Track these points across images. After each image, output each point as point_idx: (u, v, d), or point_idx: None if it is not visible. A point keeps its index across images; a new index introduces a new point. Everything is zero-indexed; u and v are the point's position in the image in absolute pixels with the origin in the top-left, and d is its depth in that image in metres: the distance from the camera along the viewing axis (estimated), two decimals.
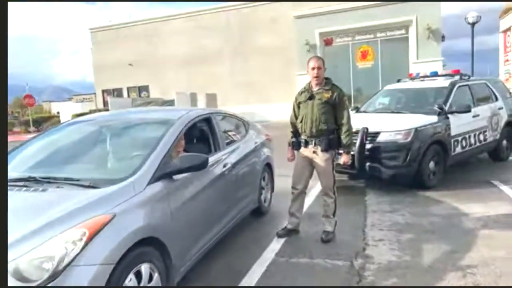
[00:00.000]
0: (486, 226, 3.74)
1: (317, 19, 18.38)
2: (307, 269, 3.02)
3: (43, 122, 21.93)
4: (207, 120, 3.45)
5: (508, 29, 25.49)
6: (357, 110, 6.84)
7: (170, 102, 14.75)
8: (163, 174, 2.47)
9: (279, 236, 3.74)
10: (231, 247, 3.57)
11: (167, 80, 22.11)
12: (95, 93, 26.05)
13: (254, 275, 2.97)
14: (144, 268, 2.14)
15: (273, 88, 19.42)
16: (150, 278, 2.21)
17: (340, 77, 18.95)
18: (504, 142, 6.75)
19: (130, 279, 2.03)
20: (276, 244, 3.57)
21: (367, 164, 5.13)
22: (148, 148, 2.62)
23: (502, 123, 6.55)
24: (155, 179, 2.41)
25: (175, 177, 2.58)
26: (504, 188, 5.05)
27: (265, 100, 19.92)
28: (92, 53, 24.83)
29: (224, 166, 3.30)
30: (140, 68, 22.77)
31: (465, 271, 2.85)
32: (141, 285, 2.11)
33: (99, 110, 17.31)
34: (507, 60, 26.40)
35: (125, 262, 1.99)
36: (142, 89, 23.40)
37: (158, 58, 22.43)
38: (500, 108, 6.54)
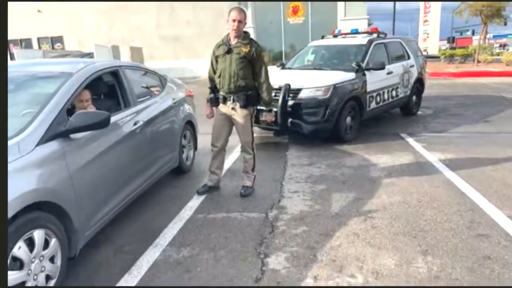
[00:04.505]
0: (389, 175, 4.09)
1: None
2: (223, 224, 3.08)
3: None
4: (114, 73, 3.17)
5: None
6: (283, 66, 6.88)
7: (89, 56, 13.48)
8: (58, 133, 2.25)
9: (199, 193, 3.74)
10: (149, 206, 3.49)
11: (85, 31, 20.05)
12: None
13: (169, 233, 2.95)
14: (38, 234, 1.98)
15: (203, 42, 18.69)
16: (47, 244, 2.06)
17: (273, 33, 18.90)
18: (414, 97, 7.32)
19: (20, 247, 1.87)
20: (195, 202, 3.57)
21: (289, 120, 5.24)
22: (41, 104, 2.35)
23: (412, 80, 7.06)
24: (47, 138, 2.18)
25: (75, 136, 2.37)
26: (409, 140, 5.54)
27: (195, 54, 19.18)
28: None
29: (135, 123, 3.12)
30: (53, 16, 20.23)
31: (366, 215, 3.12)
32: (35, 252, 1.96)
33: None
34: (426, 21, 28.32)
35: (12, 229, 1.82)
36: (56, 40, 20.93)
37: (73, 5, 20.05)
38: (411, 66, 7.02)
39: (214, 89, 3.68)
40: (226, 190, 3.86)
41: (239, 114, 3.57)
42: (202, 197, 3.66)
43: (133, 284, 2.32)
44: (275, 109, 5.13)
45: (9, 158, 1.94)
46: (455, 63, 18.29)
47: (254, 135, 3.81)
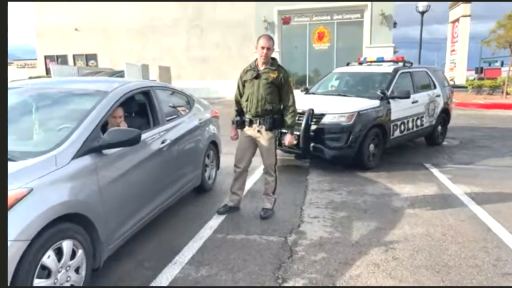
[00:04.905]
0: (412, 205, 4.02)
1: None
2: (242, 245, 3.09)
3: None
4: (146, 93, 3.32)
5: (457, 20, 26.91)
6: (307, 91, 6.96)
7: (120, 73, 14.04)
8: (92, 148, 2.37)
9: (220, 213, 3.78)
10: (170, 223, 3.55)
11: (118, 50, 20.95)
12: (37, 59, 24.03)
13: (188, 251, 2.98)
14: (66, 244, 2.07)
15: (230, 65, 19.13)
16: (74, 254, 2.14)
17: (297, 57, 19.18)
18: (439, 127, 7.22)
19: (49, 256, 1.95)
20: (215, 221, 3.61)
21: (312, 144, 5.27)
22: (78, 120, 2.48)
23: (438, 110, 6.98)
24: (82, 153, 2.30)
25: (106, 152, 2.48)
26: (434, 170, 5.43)
27: (221, 76, 19.63)
28: (34, 15, 22.78)
29: (163, 142, 3.22)
30: (88, 34, 21.30)
31: (387, 246, 3.06)
32: (62, 261, 2.04)
33: (39, 77, 16.03)
34: (453, 50, 27.98)
35: (43, 238, 1.91)
36: (90, 57, 21.95)
37: (108, 25, 21.08)
38: (437, 96, 6.95)
39: (240, 112, 3.78)
40: (246, 211, 3.88)
41: (264, 137, 3.64)
42: (222, 217, 3.70)
43: None
44: (297, 133, 5.19)
45: (46, 170, 2.06)
46: (483, 94, 17.93)
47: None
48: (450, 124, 7.81)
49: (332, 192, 4.48)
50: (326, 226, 3.48)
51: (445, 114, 7.35)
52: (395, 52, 19.41)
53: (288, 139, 3.74)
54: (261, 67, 3.60)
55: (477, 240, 3.17)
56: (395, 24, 17.95)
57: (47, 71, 20.34)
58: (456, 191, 4.46)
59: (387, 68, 6.44)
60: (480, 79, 25.80)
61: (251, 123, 3.66)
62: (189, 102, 4.30)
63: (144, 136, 2.89)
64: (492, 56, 33.22)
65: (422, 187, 4.65)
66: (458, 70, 26.22)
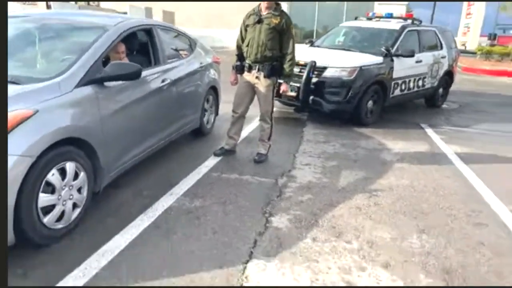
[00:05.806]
0: (402, 160, 4.17)
1: None
2: (234, 183, 3.28)
3: None
4: (148, 31, 3.33)
5: None
6: (311, 44, 6.88)
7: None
8: (94, 79, 2.45)
9: (216, 155, 3.93)
10: (168, 160, 3.72)
11: None
12: None
13: (184, 185, 3.17)
14: (69, 166, 2.22)
15: (236, 14, 18.52)
16: (77, 176, 2.30)
17: (307, 11, 18.55)
18: (441, 90, 7.21)
19: (53, 174, 2.11)
20: (211, 161, 3.77)
21: (311, 97, 5.33)
22: (80, 51, 2.54)
23: (442, 72, 6.93)
24: (84, 82, 2.39)
25: (108, 84, 2.57)
26: (429, 130, 5.54)
27: (226, 25, 19.08)
28: None
29: (163, 81, 3.30)
30: None
31: (371, 193, 3.25)
32: (66, 181, 2.20)
33: None
34: (469, 14, 26.91)
35: (48, 157, 2.05)
36: None
37: None
38: (443, 57, 6.88)
39: (240, 57, 3.81)
40: (241, 155, 4.04)
41: (262, 84, 3.69)
42: (218, 159, 3.86)
43: (151, 221, 2.55)
44: (298, 85, 5.23)
45: (51, 95, 2.16)
46: (491, 60, 17.55)
47: (275, 109, 3.94)
48: (453, 88, 7.79)
49: (326, 144, 4.61)
50: (316, 173, 3.65)
51: (448, 76, 7.30)
52: (408, 11, 18.72)
53: (283, 88, 3.78)
54: (264, 12, 3.58)
55: (457, 194, 3.34)
56: None
57: (48, 7, 19.74)
58: (447, 151, 4.59)
59: (395, 25, 6.33)
60: (492, 45, 25.05)
61: (250, 68, 3.70)
62: (191, 44, 4.30)
63: (144, 73, 2.95)
64: (511, 23, 31.95)
65: (414, 144, 4.79)
66: (471, 35, 25.43)
